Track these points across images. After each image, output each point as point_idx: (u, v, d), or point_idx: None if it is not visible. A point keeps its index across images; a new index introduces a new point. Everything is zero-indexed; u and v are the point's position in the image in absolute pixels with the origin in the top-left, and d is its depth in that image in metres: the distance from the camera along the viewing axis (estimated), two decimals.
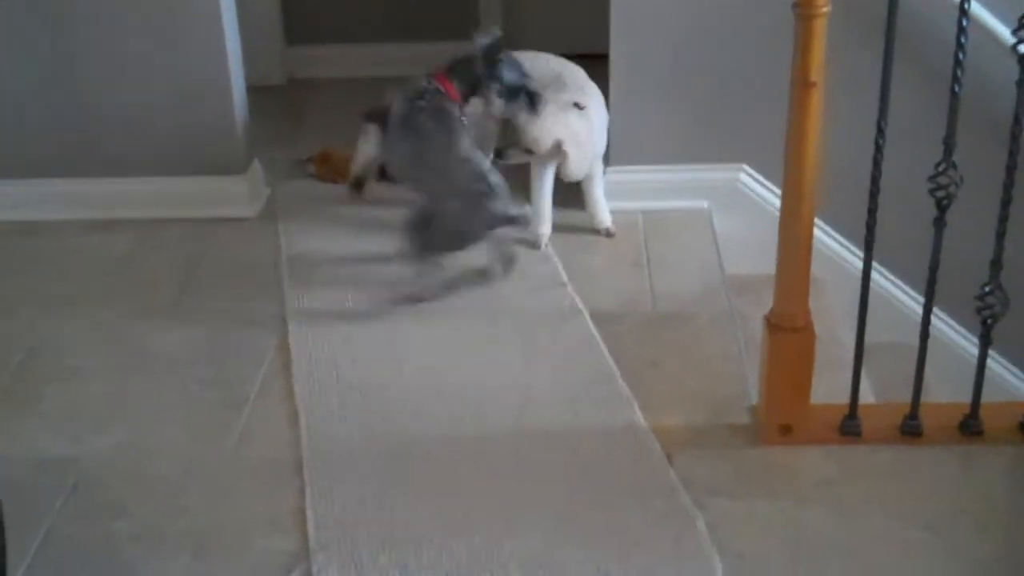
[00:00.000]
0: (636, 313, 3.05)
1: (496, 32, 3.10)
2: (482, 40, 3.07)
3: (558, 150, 3.17)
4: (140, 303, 3.14)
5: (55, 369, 2.87)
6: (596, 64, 3.48)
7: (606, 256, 3.32)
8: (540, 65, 3.34)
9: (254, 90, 3.74)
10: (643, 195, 3.51)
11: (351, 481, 2.43)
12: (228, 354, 2.90)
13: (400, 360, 2.83)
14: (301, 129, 4.32)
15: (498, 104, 3.11)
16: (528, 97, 3.12)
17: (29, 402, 2.75)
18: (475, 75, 3.07)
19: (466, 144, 3.02)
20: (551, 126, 3.15)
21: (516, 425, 2.60)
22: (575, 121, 3.20)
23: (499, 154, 3.25)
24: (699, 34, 3.36)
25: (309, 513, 2.34)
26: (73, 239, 3.48)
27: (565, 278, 3.16)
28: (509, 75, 3.09)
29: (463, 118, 3.06)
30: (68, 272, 3.33)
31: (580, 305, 3.04)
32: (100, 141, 3.55)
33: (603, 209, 3.39)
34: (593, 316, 2.99)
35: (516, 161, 3.24)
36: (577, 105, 3.22)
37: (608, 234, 3.37)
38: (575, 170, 3.22)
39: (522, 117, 3.15)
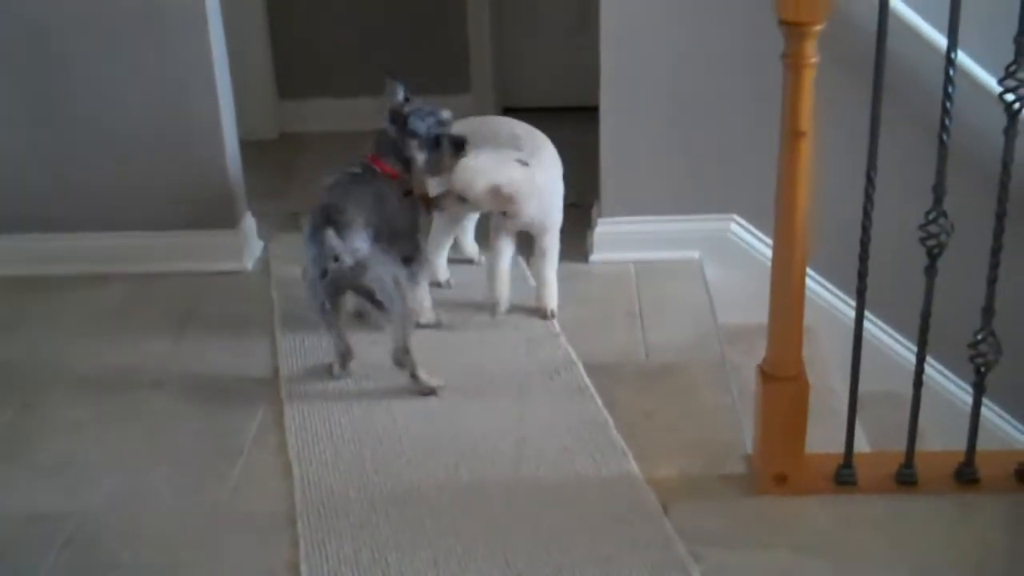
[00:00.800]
0: (630, 363, 3.05)
1: (397, 87, 2.98)
2: (389, 101, 2.98)
3: (496, 197, 2.96)
4: (133, 356, 3.14)
5: (48, 423, 2.86)
6: (587, 117, 3.50)
7: (599, 307, 3.33)
8: (501, 128, 3.25)
9: (247, 144, 3.76)
10: (635, 246, 3.52)
11: (345, 533, 2.41)
12: (221, 406, 2.89)
13: (394, 411, 2.82)
14: (293, 183, 4.33)
15: (421, 159, 2.97)
16: (451, 143, 2.97)
17: (22, 456, 2.74)
18: (393, 142, 2.96)
19: (358, 212, 2.78)
20: (485, 170, 2.95)
21: (511, 476, 2.59)
22: (517, 171, 2.99)
23: (435, 203, 3.07)
24: (688, 85, 3.39)
25: (303, 567, 2.32)
26: (66, 293, 3.48)
27: (558, 329, 3.17)
28: (419, 125, 2.95)
29: (408, 193, 2.95)
30: (61, 326, 3.32)
31: (574, 356, 3.04)
32: (92, 195, 3.56)
33: (551, 290, 3.22)
34: (587, 367, 2.99)
35: (450, 209, 3.08)
36: (521, 161, 3.04)
37: (551, 315, 3.20)
38: (524, 208, 3.02)
39: (452, 163, 2.97)
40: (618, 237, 3.53)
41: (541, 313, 3.21)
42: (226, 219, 3.58)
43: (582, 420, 2.78)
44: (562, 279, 3.30)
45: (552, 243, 3.20)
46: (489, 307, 3.22)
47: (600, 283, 3.45)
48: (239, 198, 3.62)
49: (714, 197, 3.50)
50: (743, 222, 3.51)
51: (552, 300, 3.22)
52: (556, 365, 3.00)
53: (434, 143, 2.96)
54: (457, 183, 2.95)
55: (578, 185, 3.38)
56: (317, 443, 2.72)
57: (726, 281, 3.45)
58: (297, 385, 2.95)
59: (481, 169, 2.95)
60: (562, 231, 3.22)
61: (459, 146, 2.98)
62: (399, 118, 2.95)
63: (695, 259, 3.53)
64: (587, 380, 2.93)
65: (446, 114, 3.02)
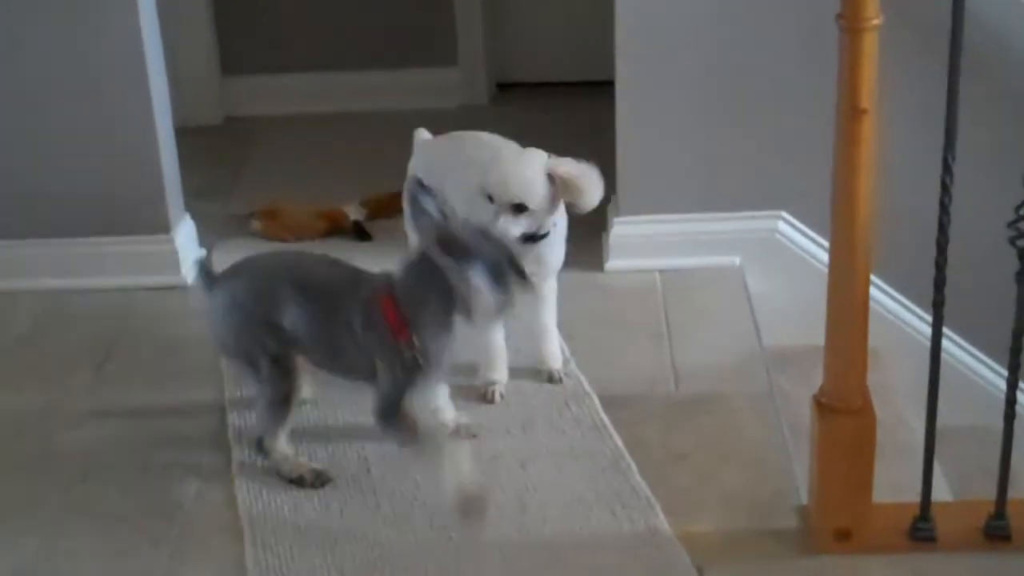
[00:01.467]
0: (656, 395, 3.05)
1: (428, 198, 2.57)
2: (431, 234, 2.52)
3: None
4: (48, 392, 3.14)
5: None
6: (598, 93, 3.49)
7: (617, 326, 3.33)
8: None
9: (184, 131, 3.78)
10: (661, 251, 3.53)
11: None
12: (155, 452, 2.88)
13: (367, 457, 2.82)
14: (242, 177, 4.34)
15: (490, 298, 2.48)
16: (517, 272, 2.55)
17: None
18: (431, 278, 2.51)
19: None
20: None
21: (514, 533, 2.58)
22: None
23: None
24: (724, 56, 3.39)
25: None
26: None
27: (568, 354, 3.16)
28: (490, 251, 2.51)
29: (410, 352, 2.56)
30: None
31: (587, 387, 3.04)
32: None
33: (555, 346, 3.10)
34: (603, 399, 2.99)
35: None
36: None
37: (558, 379, 3.07)
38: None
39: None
40: (640, 241, 3.53)
41: (546, 376, 3.09)
42: (159, 223, 3.58)
43: (598, 464, 2.77)
44: (572, 292, 3.30)
45: (553, 287, 3.04)
46: (485, 391, 3.04)
47: (618, 296, 3.46)
48: (174, 197, 3.63)
49: (757, 191, 3.51)
50: (793, 220, 3.52)
51: (558, 358, 3.10)
52: (566, 397, 3.01)
53: (498, 273, 2.51)
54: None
55: None
56: (273, 497, 2.71)
57: (773, 293, 3.45)
58: (248, 425, 2.94)
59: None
60: (572, 233, 3.21)
61: (522, 275, 2.57)
62: (456, 245, 2.48)
63: (735, 266, 3.54)
64: (603, 416, 2.93)
65: (505, 232, 2.74)
